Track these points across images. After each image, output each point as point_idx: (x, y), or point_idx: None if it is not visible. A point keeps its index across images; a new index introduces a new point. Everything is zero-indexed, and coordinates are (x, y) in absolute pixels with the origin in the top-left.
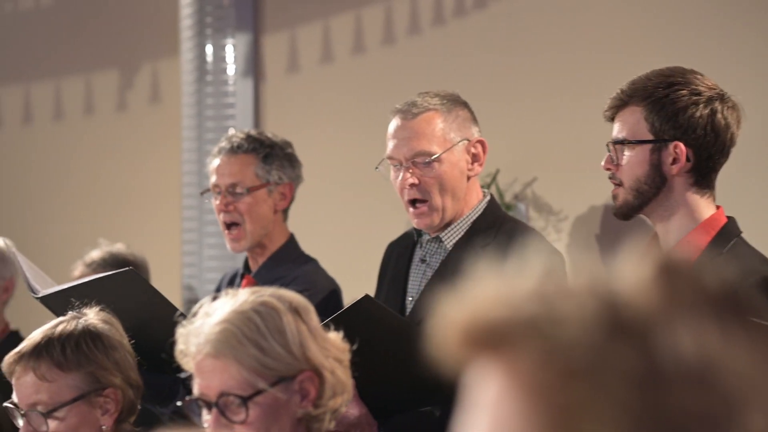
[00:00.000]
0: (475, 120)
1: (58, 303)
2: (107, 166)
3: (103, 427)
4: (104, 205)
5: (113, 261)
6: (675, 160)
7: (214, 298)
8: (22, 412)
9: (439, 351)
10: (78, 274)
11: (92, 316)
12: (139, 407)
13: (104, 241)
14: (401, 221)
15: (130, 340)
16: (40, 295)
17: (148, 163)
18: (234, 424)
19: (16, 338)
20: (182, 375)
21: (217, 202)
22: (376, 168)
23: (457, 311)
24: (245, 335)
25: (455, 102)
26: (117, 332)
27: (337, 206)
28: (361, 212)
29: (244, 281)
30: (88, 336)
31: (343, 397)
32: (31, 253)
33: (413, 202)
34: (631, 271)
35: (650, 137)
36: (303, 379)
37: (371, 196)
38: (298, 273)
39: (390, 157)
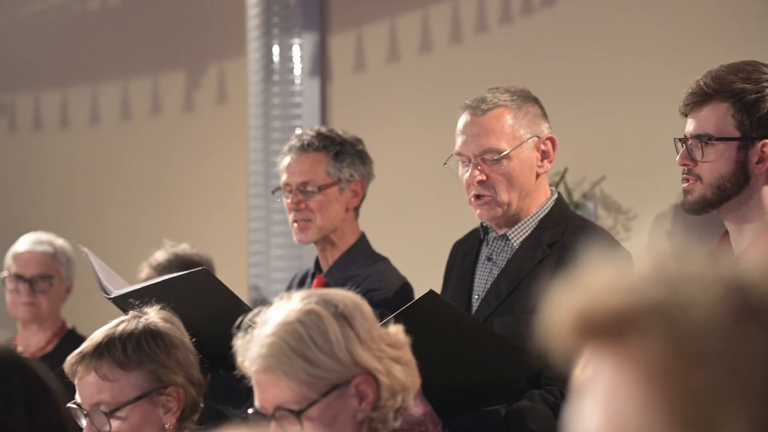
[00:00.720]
0: (545, 116)
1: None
2: (174, 167)
3: (166, 426)
4: (171, 205)
5: (179, 262)
6: (761, 159)
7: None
8: (85, 413)
9: (551, 340)
10: (144, 276)
11: (153, 315)
12: (202, 405)
13: (168, 241)
14: (469, 219)
15: (203, 340)
16: (113, 295)
17: (215, 163)
18: None
19: (73, 336)
20: None
21: (288, 200)
22: (445, 164)
23: (572, 299)
24: (292, 348)
25: (525, 98)
26: (178, 331)
27: (405, 205)
28: (429, 210)
29: (315, 281)
30: (149, 335)
31: (404, 394)
32: (99, 254)
33: (478, 197)
34: (756, 255)
35: (737, 134)
36: (359, 383)
37: (439, 195)
38: (370, 272)
39: (458, 154)
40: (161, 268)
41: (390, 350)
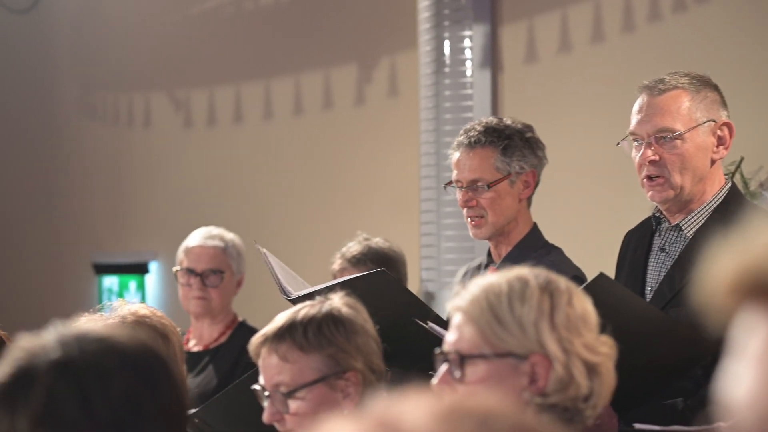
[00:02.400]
0: (724, 104)
1: None
2: (345, 160)
3: (344, 411)
4: (342, 199)
5: (373, 255)
6: None
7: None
8: (267, 394)
9: (710, 300)
10: (337, 268)
11: (337, 301)
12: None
13: (362, 233)
14: (641, 209)
15: (381, 339)
16: (293, 297)
17: (386, 156)
18: (453, 381)
19: (245, 328)
20: None
21: (460, 196)
22: (618, 144)
23: (733, 260)
24: (488, 301)
25: (705, 83)
26: (360, 317)
27: (577, 195)
28: (600, 200)
29: (489, 273)
30: (331, 320)
31: (585, 401)
32: (269, 247)
33: (651, 178)
34: None
35: None
36: (536, 362)
37: (610, 184)
38: (545, 263)
39: (632, 133)
40: (355, 260)
41: (583, 350)
